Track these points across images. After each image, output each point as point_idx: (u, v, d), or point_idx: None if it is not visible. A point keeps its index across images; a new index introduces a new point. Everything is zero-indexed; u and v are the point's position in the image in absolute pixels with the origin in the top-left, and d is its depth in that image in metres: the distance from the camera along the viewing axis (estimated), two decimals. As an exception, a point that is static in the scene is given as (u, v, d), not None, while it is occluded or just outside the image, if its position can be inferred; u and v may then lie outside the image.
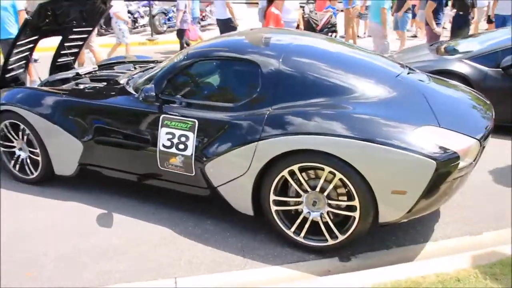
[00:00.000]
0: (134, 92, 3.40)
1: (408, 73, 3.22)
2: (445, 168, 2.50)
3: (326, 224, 2.79)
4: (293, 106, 2.82)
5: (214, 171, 2.99)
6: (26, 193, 3.73)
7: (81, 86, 3.99)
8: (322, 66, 2.99)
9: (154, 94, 3.11)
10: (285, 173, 2.75)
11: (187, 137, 3.04)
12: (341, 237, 2.76)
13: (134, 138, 3.27)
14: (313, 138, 2.62)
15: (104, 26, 11.88)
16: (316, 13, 8.98)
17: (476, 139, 2.66)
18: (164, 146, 3.11)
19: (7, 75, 4.22)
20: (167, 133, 3.10)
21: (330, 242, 2.80)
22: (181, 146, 3.06)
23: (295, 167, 2.71)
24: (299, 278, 2.68)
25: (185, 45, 9.25)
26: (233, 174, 2.91)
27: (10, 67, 4.20)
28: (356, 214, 2.67)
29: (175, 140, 3.08)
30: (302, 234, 2.85)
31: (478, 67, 4.89)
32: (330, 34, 9.18)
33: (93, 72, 4.57)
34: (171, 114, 3.11)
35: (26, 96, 3.69)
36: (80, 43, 4.96)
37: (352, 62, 3.19)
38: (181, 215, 3.36)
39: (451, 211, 3.40)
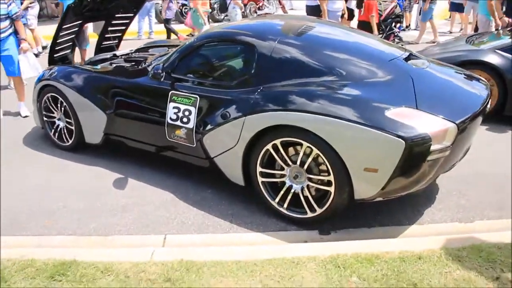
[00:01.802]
0: (152, 71, 3.74)
1: (407, 58, 3.25)
2: (416, 149, 2.56)
3: (306, 197, 2.96)
4: (281, 86, 3.00)
5: (210, 143, 3.26)
6: (61, 157, 4.26)
7: (113, 66, 4.44)
8: (315, 49, 3.13)
9: (161, 71, 3.43)
10: (269, 146, 2.95)
11: (190, 111, 3.34)
12: (319, 210, 2.91)
13: (147, 112, 3.63)
14: (292, 115, 2.79)
15: (219, 12, 12.67)
16: (380, 3, 8.86)
17: (454, 123, 2.67)
18: (171, 119, 3.43)
19: (55, 55, 4.78)
20: (174, 108, 3.42)
21: (310, 214, 2.96)
22: (185, 120, 3.36)
23: (277, 142, 2.90)
24: (271, 243, 2.88)
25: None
26: (226, 146, 3.16)
27: (58, 48, 4.75)
28: (332, 189, 2.81)
29: (180, 114, 3.38)
30: (285, 205, 3.04)
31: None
32: (394, 24, 9.08)
33: (129, 54, 5.02)
34: (178, 91, 3.42)
35: (64, 72, 4.21)
36: (123, 27, 5.44)
37: (346, 46, 3.27)
38: (187, 183, 3.68)
39: (448, 198, 3.39)
